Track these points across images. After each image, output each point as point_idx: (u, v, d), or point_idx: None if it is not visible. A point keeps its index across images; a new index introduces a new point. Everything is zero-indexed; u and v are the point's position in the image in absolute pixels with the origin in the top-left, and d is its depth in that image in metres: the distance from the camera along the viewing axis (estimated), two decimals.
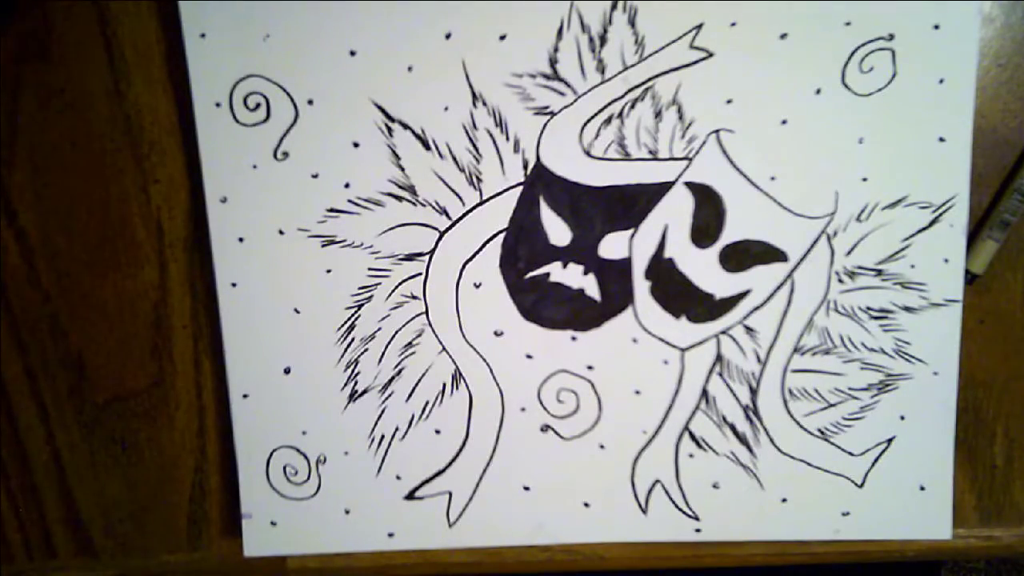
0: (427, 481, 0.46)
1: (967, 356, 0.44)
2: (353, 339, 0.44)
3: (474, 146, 0.42)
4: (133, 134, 0.44)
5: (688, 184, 0.42)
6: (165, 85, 0.43)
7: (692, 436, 0.45)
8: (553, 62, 0.41)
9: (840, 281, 0.43)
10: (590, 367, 0.45)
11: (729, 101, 0.42)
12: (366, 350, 0.44)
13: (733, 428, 0.45)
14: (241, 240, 0.43)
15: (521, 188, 0.42)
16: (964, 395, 0.45)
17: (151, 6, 0.42)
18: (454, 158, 0.42)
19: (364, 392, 0.45)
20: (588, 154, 0.42)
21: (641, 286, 0.43)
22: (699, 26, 0.41)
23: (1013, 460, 0.47)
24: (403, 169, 0.42)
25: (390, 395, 0.45)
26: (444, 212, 0.43)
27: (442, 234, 0.43)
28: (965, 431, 0.46)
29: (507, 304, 0.44)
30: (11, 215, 0.45)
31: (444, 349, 0.44)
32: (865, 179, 0.42)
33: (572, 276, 0.43)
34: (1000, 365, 0.46)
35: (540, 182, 0.42)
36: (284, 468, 0.46)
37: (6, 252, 0.45)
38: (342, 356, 0.44)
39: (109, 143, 0.44)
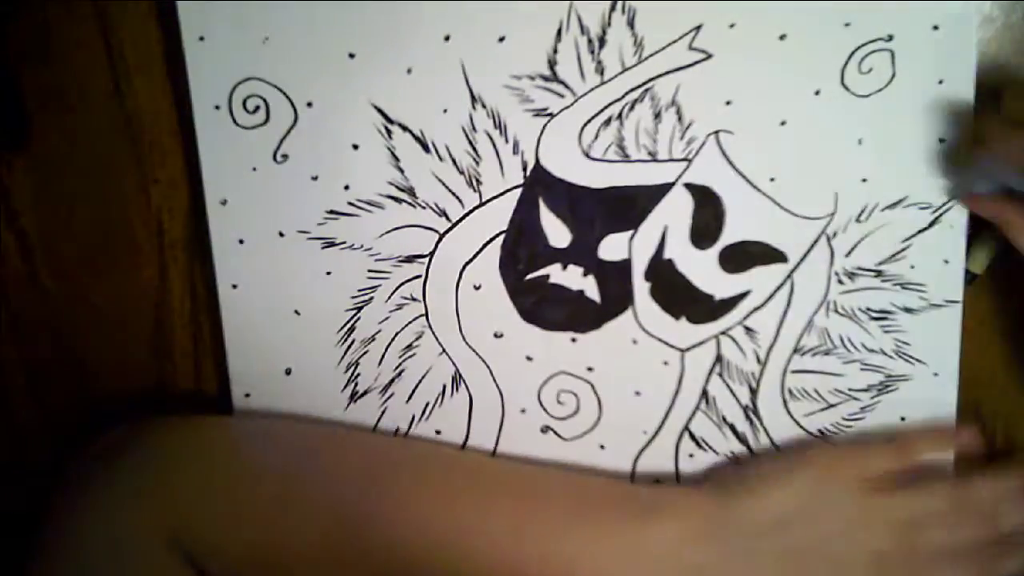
0: None
1: (967, 356, 0.44)
2: (353, 341, 0.44)
3: (473, 148, 0.42)
4: (133, 134, 0.44)
5: (687, 185, 0.42)
6: (165, 85, 0.43)
7: (692, 436, 0.45)
8: (552, 64, 0.41)
9: (840, 282, 0.43)
10: (590, 368, 0.45)
11: (728, 102, 0.41)
12: (366, 352, 0.44)
13: (733, 428, 0.45)
14: (241, 242, 0.43)
15: (520, 190, 0.42)
16: (964, 395, 0.45)
17: (151, 7, 0.42)
18: (453, 160, 0.42)
19: (365, 393, 0.45)
20: (587, 156, 0.42)
21: (641, 287, 0.43)
22: (698, 27, 0.40)
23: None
24: (402, 171, 0.42)
25: (391, 396, 0.45)
26: (444, 214, 0.43)
27: (442, 236, 0.43)
28: None
29: (507, 306, 0.44)
30: (11, 215, 0.44)
31: (444, 351, 0.44)
32: (865, 180, 0.42)
33: (572, 278, 0.43)
34: (1000, 365, 0.45)
35: (539, 184, 0.42)
36: None
37: (6, 252, 0.45)
38: (342, 357, 0.44)
39: (109, 143, 0.44)
